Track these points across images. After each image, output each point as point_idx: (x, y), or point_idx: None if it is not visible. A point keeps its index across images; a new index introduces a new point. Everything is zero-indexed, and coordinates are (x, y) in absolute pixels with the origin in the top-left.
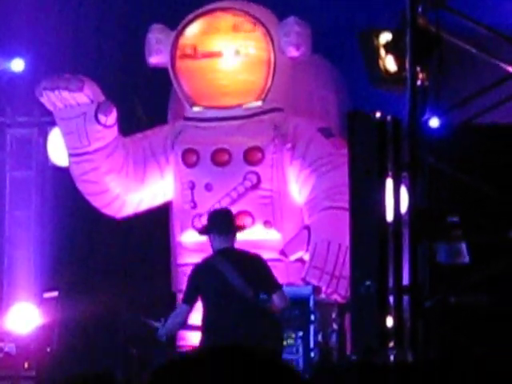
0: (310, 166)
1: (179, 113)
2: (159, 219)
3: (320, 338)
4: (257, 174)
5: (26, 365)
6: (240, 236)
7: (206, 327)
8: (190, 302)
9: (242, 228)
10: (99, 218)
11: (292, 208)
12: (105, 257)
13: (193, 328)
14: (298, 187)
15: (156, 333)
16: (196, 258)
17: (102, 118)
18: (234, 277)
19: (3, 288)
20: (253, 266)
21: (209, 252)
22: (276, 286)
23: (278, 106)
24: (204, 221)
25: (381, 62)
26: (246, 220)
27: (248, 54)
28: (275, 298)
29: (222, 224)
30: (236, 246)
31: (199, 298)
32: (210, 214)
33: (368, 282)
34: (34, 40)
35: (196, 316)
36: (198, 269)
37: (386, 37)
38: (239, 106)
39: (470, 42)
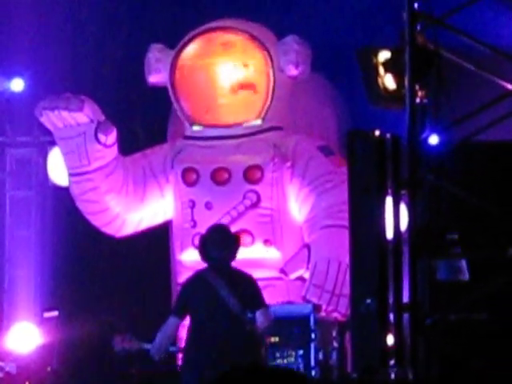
0: (310, 184)
1: (179, 132)
2: (159, 238)
3: (321, 356)
4: (256, 192)
5: None
6: (240, 255)
7: (190, 339)
8: (179, 314)
9: (239, 242)
10: (99, 237)
11: (292, 226)
12: (105, 276)
13: None
14: (297, 205)
15: (148, 354)
16: None
17: (101, 137)
18: (224, 291)
19: (3, 308)
20: (242, 284)
21: None
22: (261, 304)
23: (277, 125)
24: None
25: (380, 80)
26: (246, 239)
27: (247, 73)
28: (258, 315)
29: (219, 241)
30: (234, 264)
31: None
32: (208, 229)
33: (368, 300)
34: (34, 60)
35: None
36: (190, 281)
37: (384, 55)
38: (239, 124)
39: (469, 60)
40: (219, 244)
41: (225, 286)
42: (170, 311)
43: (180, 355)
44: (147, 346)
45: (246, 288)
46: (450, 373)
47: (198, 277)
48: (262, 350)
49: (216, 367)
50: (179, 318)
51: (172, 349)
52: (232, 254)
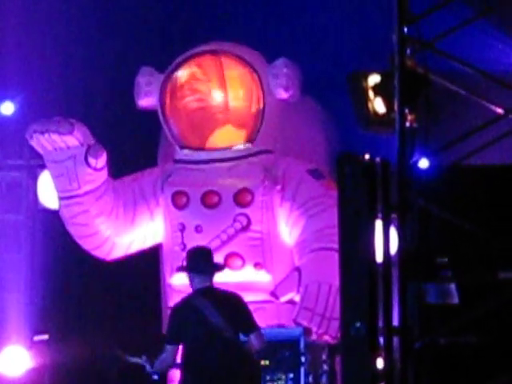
0: (300, 207)
1: (169, 155)
2: (149, 261)
3: (311, 379)
4: (247, 215)
5: None
6: (230, 278)
7: (185, 366)
8: (174, 341)
9: (221, 267)
10: (89, 260)
11: (282, 249)
12: (95, 299)
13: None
14: (288, 229)
15: (145, 370)
16: None
17: (91, 160)
18: (214, 316)
19: None
20: (232, 306)
21: None
22: (254, 327)
23: (267, 148)
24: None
25: (369, 104)
26: (236, 262)
27: (237, 96)
28: (253, 338)
29: (201, 263)
30: (218, 285)
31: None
32: (188, 252)
33: (358, 324)
34: (24, 83)
35: None
36: (179, 308)
37: (374, 79)
38: (229, 148)
39: (459, 84)
40: (202, 255)
41: (214, 310)
42: (164, 340)
43: (169, 376)
44: (140, 361)
45: (237, 311)
46: None
47: (185, 303)
48: (258, 372)
49: None
50: (175, 345)
51: (155, 377)
52: (214, 265)
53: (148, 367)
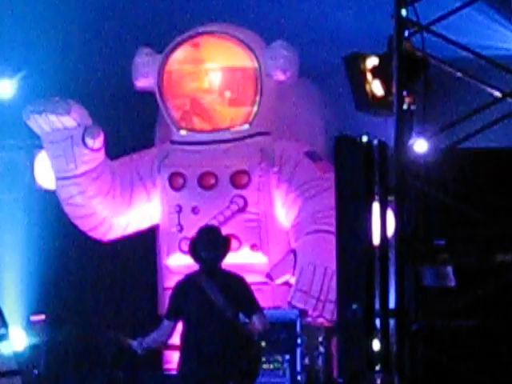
0: (297, 189)
1: (166, 136)
2: (146, 242)
3: (307, 361)
4: (243, 197)
5: None
6: (227, 259)
7: (184, 344)
8: (173, 317)
9: (229, 244)
10: (86, 241)
11: (278, 231)
12: (92, 280)
13: (176, 348)
14: (284, 211)
15: (131, 348)
16: None
17: (89, 141)
18: (216, 295)
19: None
20: (235, 287)
21: None
22: (257, 308)
23: (264, 130)
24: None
25: (367, 87)
26: (233, 243)
27: (235, 78)
28: (255, 319)
29: (208, 242)
30: (223, 266)
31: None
32: (198, 230)
33: (354, 306)
34: (23, 63)
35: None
36: (181, 284)
37: (372, 61)
38: (226, 129)
39: (457, 67)
40: (208, 245)
41: (216, 289)
42: (164, 316)
43: (165, 357)
44: (132, 341)
45: (240, 291)
46: (436, 379)
47: (189, 280)
48: (258, 353)
49: (211, 372)
50: (173, 322)
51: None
52: (221, 255)
53: (138, 351)
